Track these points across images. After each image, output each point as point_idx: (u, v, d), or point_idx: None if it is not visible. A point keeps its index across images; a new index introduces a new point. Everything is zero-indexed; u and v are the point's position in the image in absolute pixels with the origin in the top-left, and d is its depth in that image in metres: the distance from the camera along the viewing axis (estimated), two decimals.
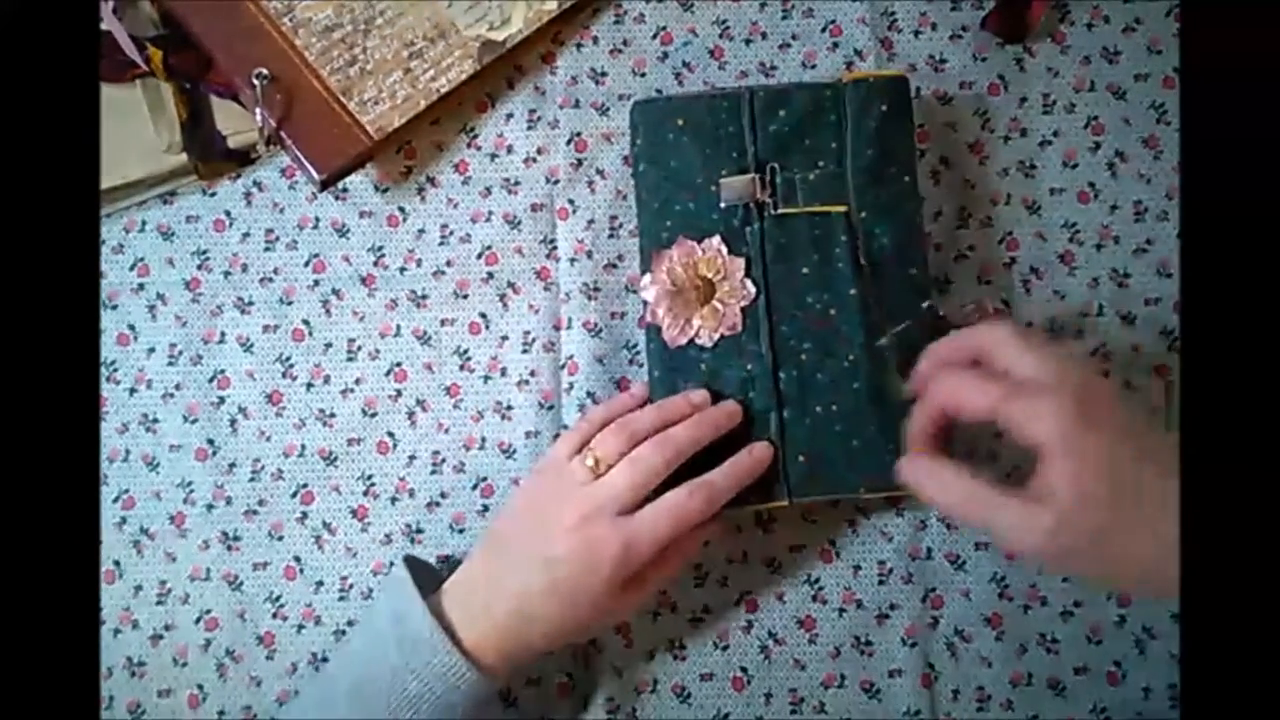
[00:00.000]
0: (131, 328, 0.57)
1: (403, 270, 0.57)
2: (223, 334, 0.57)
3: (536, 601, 0.46)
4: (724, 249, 0.52)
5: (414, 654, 0.45)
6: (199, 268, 0.57)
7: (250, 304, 0.57)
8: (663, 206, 0.53)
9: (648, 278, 0.53)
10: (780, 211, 0.52)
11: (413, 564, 0.50)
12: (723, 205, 0.52)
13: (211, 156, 0.57)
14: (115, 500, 0.56)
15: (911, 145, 0.53)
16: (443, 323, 0.57)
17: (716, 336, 0.52)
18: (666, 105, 0.54)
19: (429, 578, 0.49)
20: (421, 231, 0.58)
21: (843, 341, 0.51)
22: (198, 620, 0.55)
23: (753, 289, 0.52)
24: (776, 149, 0.52)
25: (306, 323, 0.57)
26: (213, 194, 0.58)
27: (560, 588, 0.46)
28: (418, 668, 0.45)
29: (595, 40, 0.59)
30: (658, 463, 0.47)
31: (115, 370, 0.57)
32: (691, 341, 0.52)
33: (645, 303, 0.53)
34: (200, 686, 0.54)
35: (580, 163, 0.58)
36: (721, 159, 0.52)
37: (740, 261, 0.52)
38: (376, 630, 0.47)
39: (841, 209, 0.52)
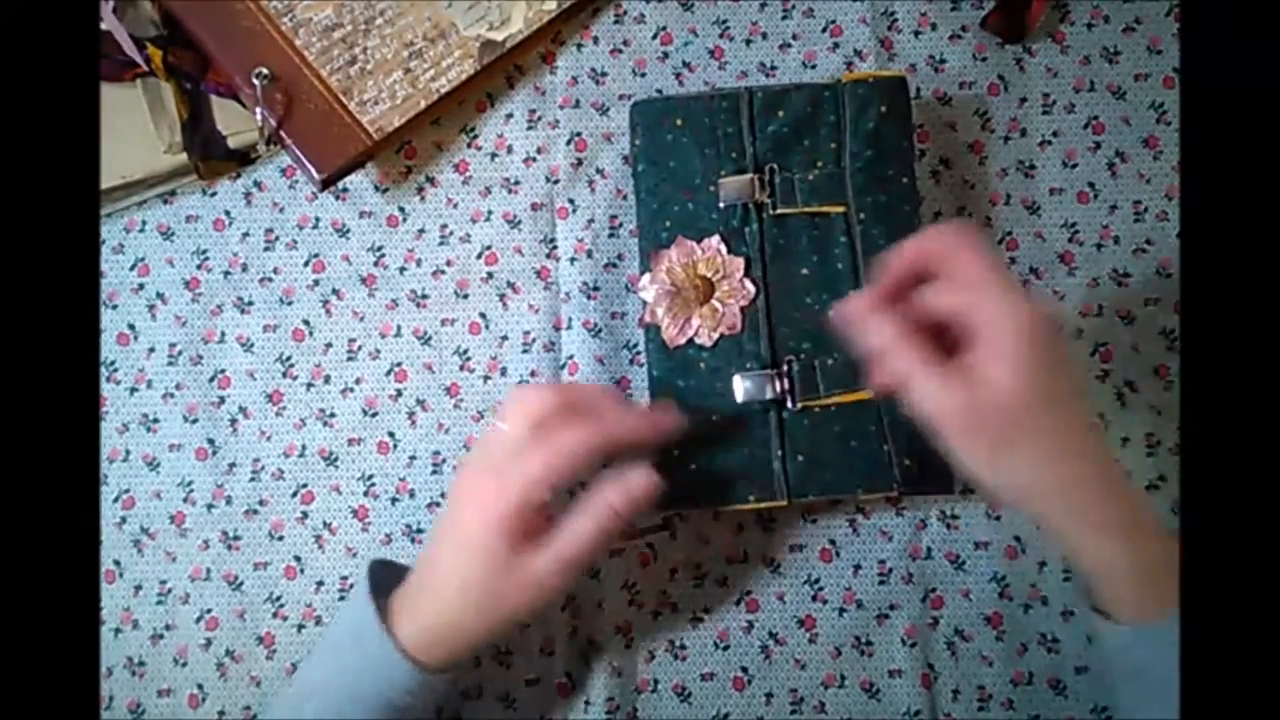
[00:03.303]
0: (131, 327, 0.57)
1: (403, 270, 0.57)
2: (223, 334, 0.57)
3: (445, 564, 0.45)
4: (723, 249, 0.52)
5: (356, 649, 0.45)
6: (199, 267, 0.57)
7: (250, 304, 0.57)
8: (662, 206, 0.53)
9: (647, 277, 0.53)
10: (779, 212, 0.52)
11: (384, 566, 0.48)
12: (722, 205, 0.52)
13: (212, 156, 0.57)
14: (115, 500, 0.56)
15: (910, 146, 0.53)
16: (443, 322, 0.57)
17: (716, 336, 0.52)
18: (665, 105, 0.54)
19: (399, 579, 0.48)
20: (421, 231, 0.58)
21: (841, 342, 0.51)
22: (198, 620, 0.55)
23: (752, 289, 0.52)
24: (775, 149, 0.53)
25: (307, 322, 0.57)
26: (213, 194, 0.58)
27: (456, 540, 0.45)
28: (356, 666, 0.45)
29: (595, 40, 0.59)
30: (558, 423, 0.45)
31: (115, 370, 0.57)
32: (691, 341, 0.52)
33: (644, 302, 0.53)
34: (200, 686, 0.54)
35: (580, 162, 0.58)
36: (721, 159, 0.53)
37: (740, 261, 0.52)
38: (334, 634, 0.47)
39: (840, 209, 0.52)
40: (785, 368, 0.51)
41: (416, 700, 0.45)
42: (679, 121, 0.53)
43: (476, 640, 0.46)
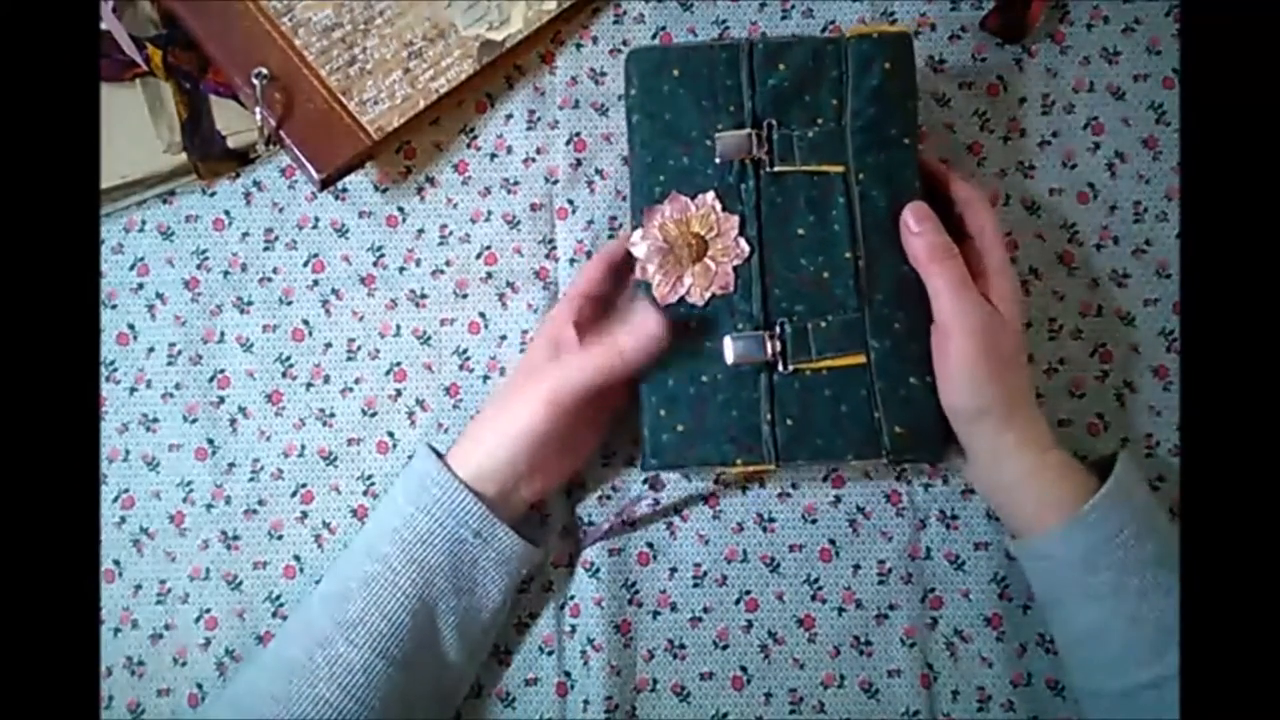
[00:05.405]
0: (131, 327, 0.57)
1: (402, 270, 0.57)
2: (222, 334, 0.57)
3: (497, 401, 0.51)
4: (718, 206, 0.51)
5: (422, 493, 0.49)
6: (198, 267, 0.57)
7: (250, 304, 0.57)
8: (657, 160, 0.52)
9: (638, 233, 0.51)
10: (777, 169, 0.51)
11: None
12: (718, 160, 0.51)
13: (211, 156, 0.57)
14: (115, 500, 0.56)
15: (913, 107, 0.52)
16: (442, 322, 0.57)
17: (708, 295, 0.51)
18: (664, 55, 0.52)
19: None
20: (421, 231, 0.58)
21: (835, 305, 0.50)
22: (197, 619, 0.55)
23: (746, 248, 0.51)
24: (775, 104, 0.51)
25: (306, 322, 0.57)
26: (212, 194, 0.58)
27: (507, 384, 0.53)
28: (426, 504, 0.48)
29: (595, 40, 0.59)
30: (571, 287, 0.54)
31: (115, 370, 0.57)
32: (682, 300, 0.51)
33: (635, 259, 0.51)
34: (200, 686, 0.54)
35: (579, 163, 0.58)
36: (718, 112, 0.51)
37: (734, 219, 0.51)
38: (390, 499, 0.51)
39: (839, 169, 0.51)
40: (777, 329, 0.50)
41: (485, 548, 0.49)
42: (676, 72, 0.51)
43: (504, 457, 0.49)
